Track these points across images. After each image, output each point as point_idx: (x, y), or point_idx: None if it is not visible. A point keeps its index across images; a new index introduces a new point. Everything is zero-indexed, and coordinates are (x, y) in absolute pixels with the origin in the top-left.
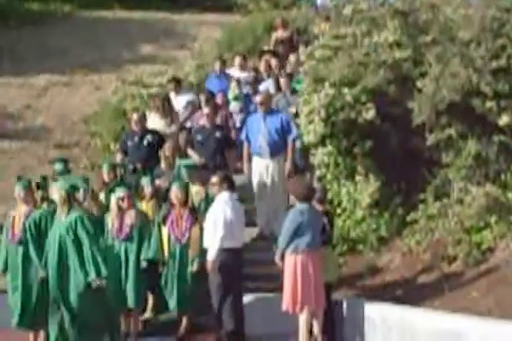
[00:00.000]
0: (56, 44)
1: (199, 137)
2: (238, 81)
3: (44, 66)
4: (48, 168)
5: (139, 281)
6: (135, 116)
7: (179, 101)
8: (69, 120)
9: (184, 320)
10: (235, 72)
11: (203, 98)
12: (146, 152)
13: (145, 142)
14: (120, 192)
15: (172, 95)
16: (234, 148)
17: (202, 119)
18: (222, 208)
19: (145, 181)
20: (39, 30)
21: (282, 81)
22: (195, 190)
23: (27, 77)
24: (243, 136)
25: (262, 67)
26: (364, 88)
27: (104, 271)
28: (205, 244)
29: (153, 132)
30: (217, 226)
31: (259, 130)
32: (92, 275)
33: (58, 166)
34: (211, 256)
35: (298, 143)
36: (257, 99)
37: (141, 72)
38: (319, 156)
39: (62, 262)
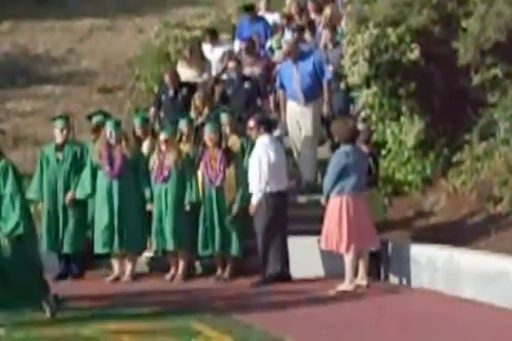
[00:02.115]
0: None
1: (229, 90)
2: (283, 29)
3: (87, 10)
4: (91, 112)
5: (180, 223)
6: (166, 76)
7: (215, 53)
8: (112, 63)
9: (228, 262)
10: (262, 14)
11: (243, 46)
12: (181, 106)
13: (180, 96)
14: (162, 135)
15: (208, 47)
16: (266, 97)
17: (249, 64)
18: (264, 151)
19: (183, 123)
20: None
21: (324, 33)
22: (231, 141)
23: (70, 21)
24: (277, 84)
25: (293, 9)
26: (408, 28)
27: (20, 229)
28: (251, 188)
29: (188, 85)
30: (262, 170)
31: (291, 76)
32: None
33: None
34: (256, 200)
35: (342, 85)
36: (283, 49)
37: (183, 14)
38: (364, 97)
39: None
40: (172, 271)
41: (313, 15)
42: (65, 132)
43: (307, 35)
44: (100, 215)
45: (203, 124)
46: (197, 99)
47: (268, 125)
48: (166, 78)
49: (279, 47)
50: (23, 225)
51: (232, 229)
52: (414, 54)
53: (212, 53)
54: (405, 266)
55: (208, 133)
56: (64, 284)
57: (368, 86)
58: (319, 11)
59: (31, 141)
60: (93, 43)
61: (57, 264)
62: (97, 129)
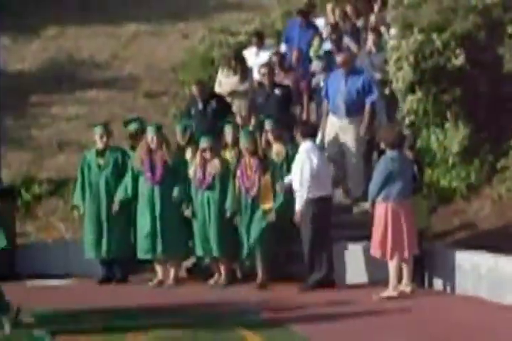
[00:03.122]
0: None
1: (260, 98)
2: (321, 37)
3: (131, 15)
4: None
5: (222, 230)
6: (194, 88)
7: (261, 57)
8: (157, 69)
9: (260, 269)
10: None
11: (275, 59)
12: (211, 118)
13: (209, 109)
14: (203, 143)
15: (254, 50)
16: (297, 106)
17: (280, 77)
18: (307, 157)
19: (227, 129)
20: None
21: (369, 38)
22: (276, 150)
23: (114, 26)
24: (323, 93)
25: (337, 15)
26: (453, 34)
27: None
28: (296, 194)
29: (218, 98)
30: (304, 176)
31: (338, 89)
32: None
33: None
34: (299, 206)
35: (386, 91)
36: (338, 59)
37: (227, 19)
38: (408, 103)
39: None
40: (215, 276)
41: (354, 19)
42: (104, 139)
43: (348, 43)
44: (142, 221)
45: None
46: (243, 109)
47: (310, 131)
48: (194, 91)
49: (317, 57)
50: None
51: (265, 237)
52: (459, 60)
53: (258, 57)
54: (450, 273)
55: (243, 143)
56: (107, 288)
57: (413, 92)
58: (358, 15)
59: (75, 146)
60: (137, 48)
61: (100, 269)
62: (135, 136)
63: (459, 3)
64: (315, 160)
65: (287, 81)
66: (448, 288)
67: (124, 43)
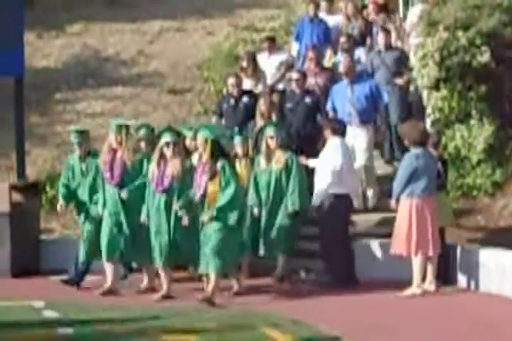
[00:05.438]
0: None
1: (289, 104)
2: (334, 49)
3: (156, 12)
4: (160, 113)
5: (176, 240)
6: (231, 80)
7: (272, 61)
8: (182, 65)
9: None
10: (324, 16)
11: (312, 55)
12: (242, 115)
13: (241, 105)
14: (167, 137)
15: (265, 55)
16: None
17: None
18: (331, 154)
19: (237, 140)
20: None
21: (379, 37)
22: (277, 156)
23: (140, 23)
24: (329, 106)
25: (349, 9)
26: (479, 31)
27: None
28: (315, 189)
29: (250, 94)
30: (326, 172)
31: (345, 98)
32: None
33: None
34: (316, 201)
35: (412, 88)
36: (340, 68)
37: (253, 16)
38: (433, 100)
39: None
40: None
41: (373, 16)
42: (80, 145)
43: (360, 54)
44: (108, 225)
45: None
46: (262, 105)
47: (341, 128)
48: (230, 83)
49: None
50: None
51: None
52: (485, 57)
53: (269, 61)
54: (474, 270)
55: (199, 142)
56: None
57: (438, 89)
58: (379, 12)
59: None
60: (162, 45)
61: None
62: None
63: (484, 1)
64: (339, 158)
65: (321, 79)
66: (472, 286)
67: (149, 40)
